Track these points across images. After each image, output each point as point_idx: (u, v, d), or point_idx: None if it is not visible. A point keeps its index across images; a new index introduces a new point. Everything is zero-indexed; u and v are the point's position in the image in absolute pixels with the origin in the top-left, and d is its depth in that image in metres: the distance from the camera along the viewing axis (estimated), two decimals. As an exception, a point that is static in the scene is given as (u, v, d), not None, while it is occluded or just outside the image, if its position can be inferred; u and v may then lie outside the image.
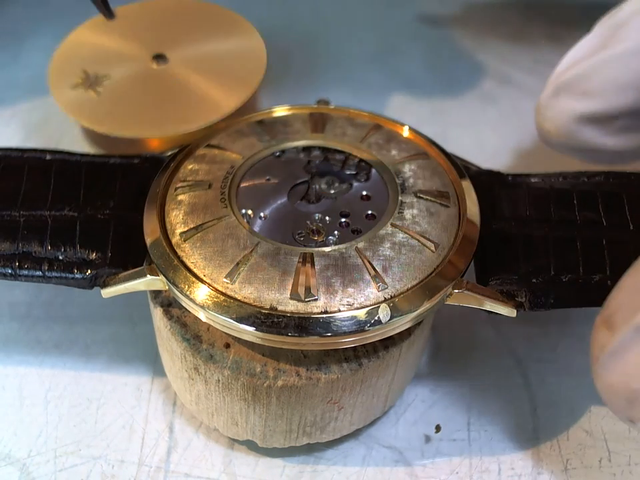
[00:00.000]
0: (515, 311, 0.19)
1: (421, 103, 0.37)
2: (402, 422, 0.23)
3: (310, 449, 0.22)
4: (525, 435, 0.23)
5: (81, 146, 0.33)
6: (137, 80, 0.16)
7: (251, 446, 0.22)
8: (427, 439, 0.23)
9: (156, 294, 0.20)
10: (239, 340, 0.19)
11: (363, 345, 0.19)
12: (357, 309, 0.18)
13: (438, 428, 0.23)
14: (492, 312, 0.20)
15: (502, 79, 0.38)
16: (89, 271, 0.20)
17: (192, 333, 0.20)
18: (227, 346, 0.19)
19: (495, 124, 0.35)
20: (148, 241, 0.20)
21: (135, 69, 0.16)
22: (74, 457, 0.22)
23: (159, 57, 0.17)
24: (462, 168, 0.22)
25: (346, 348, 0.19)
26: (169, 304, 0.20)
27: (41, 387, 0.24)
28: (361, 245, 0.19)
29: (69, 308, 0.26)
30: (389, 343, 0.19)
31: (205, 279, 0.18)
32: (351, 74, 0.38)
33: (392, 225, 0.20)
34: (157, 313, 0.20)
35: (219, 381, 0.19)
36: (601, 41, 0.22)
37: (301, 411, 0.20)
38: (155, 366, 0.24)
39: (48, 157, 0.22)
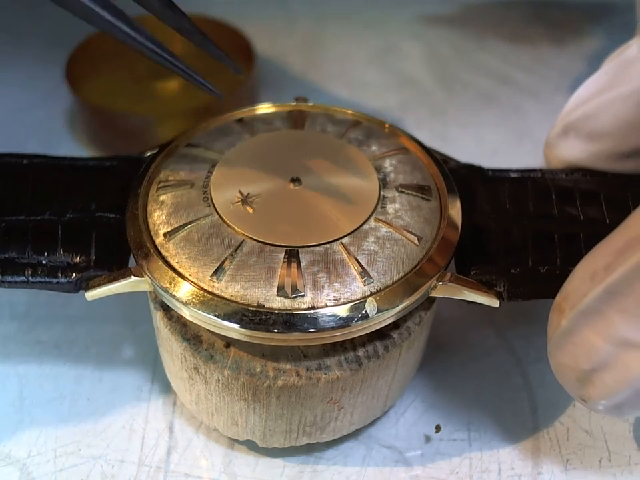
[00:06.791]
0: (498, 301, 0.19)
1: (421, 102, 0.37)
2: (402, 422, 0.23)
3: (310, 449, 0.22)
4: (525, 435, 0.23)
5: (80, 146, 0.33)
6: (280, 198, 0.20)
7: (251, 446, 0.22)
8: (427, 438, 0.23)
9: (156, 294, 0.20)
10: (238, 340, 0.19)
11: (363, 345, 0.19)
12: (344, 303, 0.18)
13: (438, 428, 0.23)
14: (474, 302, 0.20)
15: (502, 79, 0.38)
16: (74, 275, 0.20)
17: (192, 333, 0.20)
18: (227, 346, 0.19)
19: (495, 124, 0.35)
20: (131, 242, 0.20)
21: (277, 189, 0.20)
22: (74, 456, 0.22)
23: (296, 180, 0.20)
24: (441, 162, 0.22)
25: (346, 348, 0.19)
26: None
27: (40, 387, 0.24)
28: (345, 240, 0.19)
29: (69, 308, 0.26)
30: (389, 342, 0.19)
31: (190, 278, 0.18)
32: (350, 73, 0.38)
33: (375, 219, 0.20)
34: (157, 313, 0.20)
35: (218, 380, 0.19)
36: (609, 80, 0.21)
37: (300, 411, 0.20)
38: (154, 366, 0.24)
39: (25, 161, 0.22)
